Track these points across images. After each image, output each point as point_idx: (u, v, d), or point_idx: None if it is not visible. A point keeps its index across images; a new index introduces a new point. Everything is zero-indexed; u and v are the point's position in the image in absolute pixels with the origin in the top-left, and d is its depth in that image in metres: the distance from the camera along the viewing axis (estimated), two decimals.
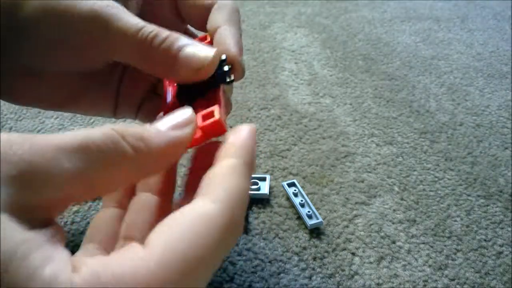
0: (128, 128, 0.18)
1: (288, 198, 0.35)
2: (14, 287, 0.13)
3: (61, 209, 0.17)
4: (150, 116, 0.32)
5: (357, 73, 0.54)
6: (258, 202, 0.35)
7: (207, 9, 0.28)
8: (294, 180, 0.36)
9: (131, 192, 0.23)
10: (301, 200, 0.35)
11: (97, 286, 0.15)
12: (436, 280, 0.30)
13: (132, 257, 0.16)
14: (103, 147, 0.17)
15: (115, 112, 0.31)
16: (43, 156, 0.16)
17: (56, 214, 0.17)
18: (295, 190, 0.36)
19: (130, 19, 0.24)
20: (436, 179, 0.38)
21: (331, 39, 0.62)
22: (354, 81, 0.52)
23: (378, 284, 0.29)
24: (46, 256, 0.14)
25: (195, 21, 0.29)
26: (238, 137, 0.21)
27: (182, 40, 0.24)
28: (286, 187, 0.36)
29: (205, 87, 0.25)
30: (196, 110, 0.23)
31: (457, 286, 0.30)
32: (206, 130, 0.22)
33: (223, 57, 0.25)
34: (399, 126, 0.45)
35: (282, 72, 0.54)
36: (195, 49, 0.24)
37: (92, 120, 0.45)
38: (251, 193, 0.35)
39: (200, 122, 0.23)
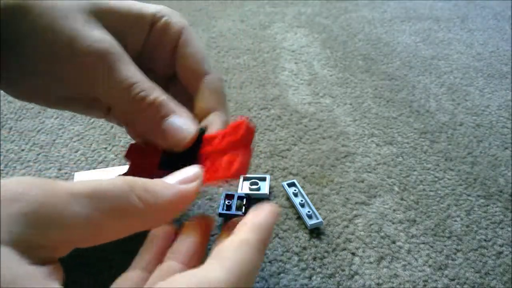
0: (137, 180, 0.19)
1: (288, 198, 0.35)
2: None
3: (64, 250, 0.17)
4: None
5: (357, 73, 0.54)
6: (258, 202, 0.35)
7: (199, 76, 0.29)
8: (294, 180, 0.36)
9: (160, 259, 0.24)
10: (301, 200, 0.35)
11: None
12: (436, 280, 0.30)
13: None
14: (113, 197, 0.18)
15: (107, 116, 0.32)
16: (55, 199, 0.16)
17: (58, 255, 0.17)
18: (295, 190, 0.36)
19: (126, 70, 0.24)
20: (436, 179, 0.38)
21: (331, 39, 0.62)
22: (354, 81, 0.52)
23: (378, 284, 0.29)
24: None
25: (187, 82, 0.29)
26: (258, 215, 0.22)
27: (167, 108, 0.25)
28: (286, 187, 0.36)
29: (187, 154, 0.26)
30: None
31: (457, 286, 0.30)
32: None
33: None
34: (399, 126, 0.45)
35: (282, 72, 0.54)
36: (178, 123, 0.25)
37: (92, 121, 0.45)
38: (251, 193, 0.35)
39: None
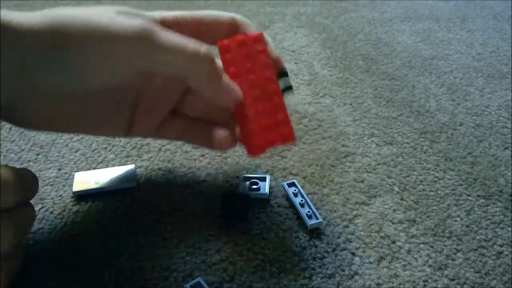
0: None
1: (288, 198, 0.35)
2: None
3: None
4: (171, 136, 0.34)
5: (357, 73, 0.54)
6: (258, 202, 0.35)
7: (228, 27, 0.31)
8: (294, 180, 0.36)
9: None
10: (301, 200, 0.35)
11: None
12: (436, 280, 0.30)
13: None
14: None
15: (127, 134, 0.32)
16: None
17: None
18: (295, 190, 0.36)
19: (172, 36, 0.26)
20: (436, 179, 0.38)
21: (331, 39, 0.62)
22: (354, 81, 0.52)
23: (378, 284, 0.29)
24: None
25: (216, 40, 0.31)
26: None
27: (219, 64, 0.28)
28: (286, 187, 0.36)
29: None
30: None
31: (457, 286, 0.30)
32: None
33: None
34: (399, 126, 0.45)
35: None
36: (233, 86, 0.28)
37: None
38: (251, 193, 0.35)
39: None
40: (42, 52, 0.24)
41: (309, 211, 0.33)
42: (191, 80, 0.27)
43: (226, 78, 0.28)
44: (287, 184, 0.36)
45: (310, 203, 0.34)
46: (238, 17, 0.32)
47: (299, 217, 0.34)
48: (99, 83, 0.27)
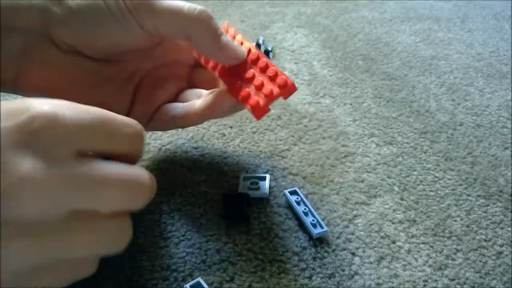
0: None
1: (289, 205, 0.35)
2: None
3: None
4: (165, 124, 0.34)
5: (357, 73, 0.54)
6: (258, 202, 0.35)
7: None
8: (296, 188, 0.35)
9: None
10: (304, 209, 0.34)
11: None
12: (436, 280, 0.30)
13: None
14: None
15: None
16: None
17: None
18: (297, 198, 0.34)
19: (171, 1, 0.28)
20: (436, 179, 0.38)
21: (331, 39, 0.62)
22: (354, 81, 0.52)
23: (378, 284, 0.29)
24: None
25: (206, 86, 0.34)
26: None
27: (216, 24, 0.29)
28: (288, 195, 0.35)
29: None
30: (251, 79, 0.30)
31: (457, 286, 0.30)
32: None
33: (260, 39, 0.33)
34: (399, 126, 0.45)
35: None
36: (232, 41, 0.30)
37: None
38: (251, 193, 0.35)
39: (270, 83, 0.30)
40: (64, 8, 0.27)
41: (313, 220, 0.33)
42: (192, 37, 0.29)
43: (226, 37, 0.29)
44: (289, 192, 0.35)
45: (313, 211, 0.33)
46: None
47: (300, 222, 0.34)
48: (112, 45, 0.29)
